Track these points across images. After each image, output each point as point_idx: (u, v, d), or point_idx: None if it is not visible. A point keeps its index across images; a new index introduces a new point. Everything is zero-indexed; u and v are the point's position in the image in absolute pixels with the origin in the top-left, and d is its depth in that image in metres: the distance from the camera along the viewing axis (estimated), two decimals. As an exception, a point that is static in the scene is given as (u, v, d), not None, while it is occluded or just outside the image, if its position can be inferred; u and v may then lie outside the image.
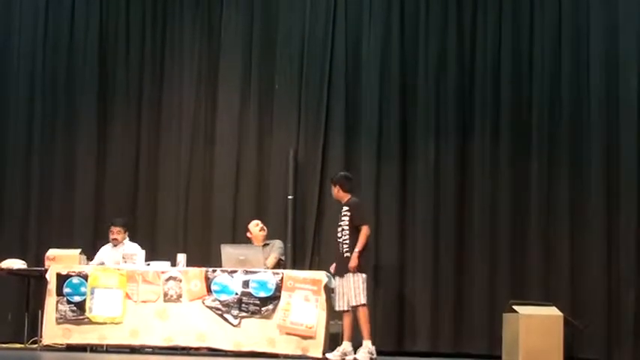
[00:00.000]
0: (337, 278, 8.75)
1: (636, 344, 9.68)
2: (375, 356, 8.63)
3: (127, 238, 9.88)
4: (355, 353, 8.60)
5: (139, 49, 11.37)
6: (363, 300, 8.61)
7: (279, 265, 9.43)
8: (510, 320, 9.26)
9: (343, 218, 8.77)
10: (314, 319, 8.59)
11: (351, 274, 8.59)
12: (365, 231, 8.68)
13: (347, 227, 8.72)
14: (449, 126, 10.60)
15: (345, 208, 8.82)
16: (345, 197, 8.91)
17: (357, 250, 8.59)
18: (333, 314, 8.97)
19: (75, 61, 11.39)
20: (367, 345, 8.61)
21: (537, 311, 9.16)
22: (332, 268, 8.91)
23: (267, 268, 9.08)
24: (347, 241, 8.68)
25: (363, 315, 8.62)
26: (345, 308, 8.68)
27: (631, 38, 10.15)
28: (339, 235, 8.77)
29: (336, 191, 8.96)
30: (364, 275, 8.65)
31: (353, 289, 8.59)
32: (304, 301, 8.65)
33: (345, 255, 8.66)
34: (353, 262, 8.57)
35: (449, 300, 10.29)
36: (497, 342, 9.56)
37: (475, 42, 10.66)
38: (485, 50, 10.62)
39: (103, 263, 9.63)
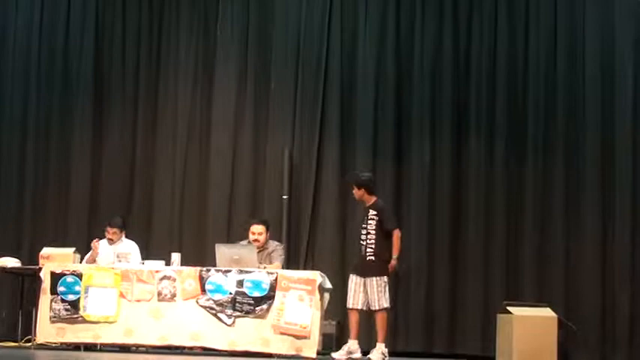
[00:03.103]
0: (355, 276, 8.68)
1: (630, 346, 9.71)
2: (387, 358, 8.63)
3: (124, 236, 9.86)
4: (369, 353, 8.61)
5: (134, 47, 11.32)
6: (386, 304, 8.60)
7: None
8: (504, 321, 9.26)
9: (370, 222, 8.63)
10: (308, 319, 8.56)
11: (375, 278, 8.55)
12: (398, 234, 8.63)
13: (373, 231, 8.61)
14: (444, 126, 10.60)
15: (373, 212, 8.67)
16: (371, 200, 8.76)
17: (395, 256, 8.57)
18: (326, 314, 8.96)
19: (70, 60, 11.34)
20: (381, 347, 8.62)
21: (531, 312, 9.16)
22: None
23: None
24: (372, 245, 8.61)
25: (383, 319, 8.61)
26: (359, 307, 8.65)
27: (627, 38, 10.20)
28: (363, 238, 8.67)
29: (361, 194, 8.75)
30: (386, 278, 8.63)
31: (376, 293, 8.55)
32: (298, 300, 8.62)
33: (367, 258, 8.60)
34: (392, 267, 8.58)
35: (443, 300, 10.30)
36: (491, 343, 9.56)
37: (470, 42, 10.68)
38: (480, 50, 10.64)
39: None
